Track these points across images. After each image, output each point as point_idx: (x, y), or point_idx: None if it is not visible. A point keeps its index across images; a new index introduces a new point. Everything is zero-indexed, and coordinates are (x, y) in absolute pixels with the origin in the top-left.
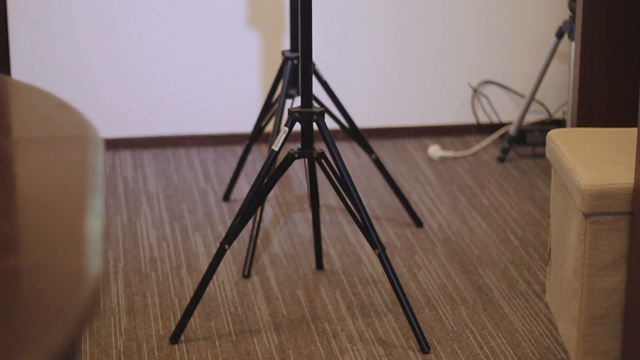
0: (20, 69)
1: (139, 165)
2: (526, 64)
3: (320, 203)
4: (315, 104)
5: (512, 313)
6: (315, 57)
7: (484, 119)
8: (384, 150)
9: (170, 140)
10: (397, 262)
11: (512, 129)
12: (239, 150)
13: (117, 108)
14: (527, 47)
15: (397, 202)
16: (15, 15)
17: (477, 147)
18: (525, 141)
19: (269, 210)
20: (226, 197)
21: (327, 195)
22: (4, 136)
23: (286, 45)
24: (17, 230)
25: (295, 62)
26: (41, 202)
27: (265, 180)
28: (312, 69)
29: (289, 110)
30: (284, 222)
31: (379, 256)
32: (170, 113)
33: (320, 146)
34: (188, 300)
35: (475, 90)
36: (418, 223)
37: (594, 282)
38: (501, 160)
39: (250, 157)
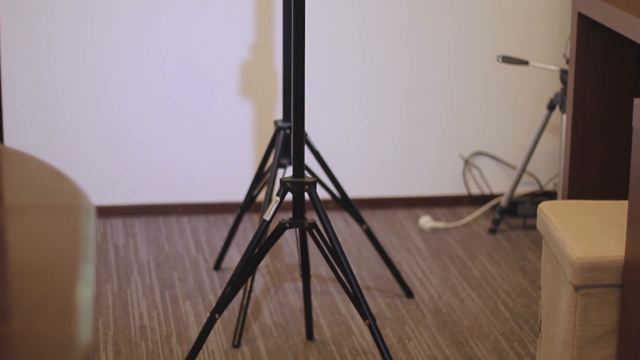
0: (13, 137)
1: (130, 233)
2: (518, 135)
3: (311, 273)
4: (307, 173)
5: None
6: (308, 127)
7: (475, 190)
8: (375, 220)
9: (162, 208)
10: (387, 332)
11: (503, 201)
12: (230, 219)
13: (109, 175)
14: (519, 119)
15: (388, 273)
16: (8, 83)
17: (468, 218)
18: (517, 213)
19: (260, 279)
20: (217, 266)
21: (318, 265)
22: None
23: (279, 114)
24: (8, 298)
25: (288, 131)
26: (32, 270)
27: (257, 250)
28: (304, 139)
29: (280, 179)
30: (274, 291)
31: (370, 327)
32: (161, 181)
33: (311, 216)
34: None
35: (466, 162)
36: (409, 294)
37: (584, 354)
38: (492, 231)
39: (241, 226)
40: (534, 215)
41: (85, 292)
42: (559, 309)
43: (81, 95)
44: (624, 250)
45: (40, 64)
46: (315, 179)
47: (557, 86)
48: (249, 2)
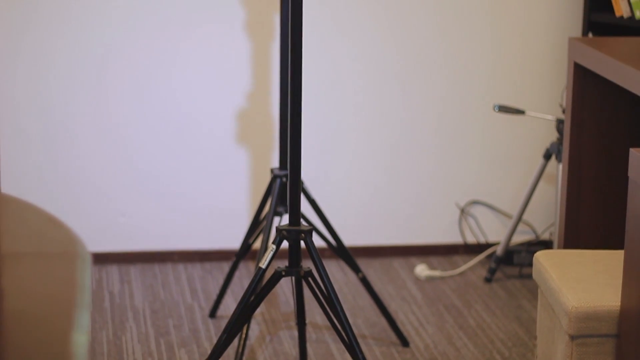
0: (10, 183)
1: (125, 280)
2: (514, 184)
3: (307, 321)
4: (303, 222)
5: None
6: (304, 175)
7: (471, 239)
8: (371, 268)
9: (158, 255)
10: None
11: (499, 250)
12: (226, 266)
13: (105, 222)
14: (515, 168)
15: (383, 321)
16: (5, 129)
17: (464, 267)
18: (512, 262)
19: (255, 327)
20: (212, 313)
21: (314, 313)
22: None
23: (275, 163)
24: (4, 344)
25: (284, 180)
26: (28, 317)
27: (252, 298)
28: (300, 187)
29: (277, 228)
30: (270, 339)
31: None
32: (158, 228)
33: (307, 264)
34: None
35: (462, 210)
36: (404, 342)
37: None
38: (488, 280)
39: (237, 273)
40: (530, 264)
41: (80, 339)
42: (555, 359)
43: (78, 142)
44: (619, 300)
45: (37, 110)
46: (311, 227)
47: (553, 135)
48: (247, 50)
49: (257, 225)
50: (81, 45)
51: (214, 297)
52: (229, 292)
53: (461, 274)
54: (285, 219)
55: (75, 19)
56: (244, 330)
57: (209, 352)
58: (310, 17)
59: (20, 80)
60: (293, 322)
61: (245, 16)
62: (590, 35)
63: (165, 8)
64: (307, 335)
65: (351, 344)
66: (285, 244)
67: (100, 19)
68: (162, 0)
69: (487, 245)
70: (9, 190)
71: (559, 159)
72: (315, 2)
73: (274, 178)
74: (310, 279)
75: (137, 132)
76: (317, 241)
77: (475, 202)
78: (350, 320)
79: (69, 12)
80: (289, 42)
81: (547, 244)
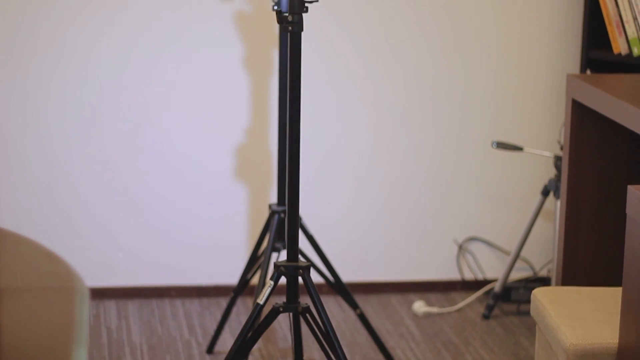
0: (6, 217)
1: (123, 315)
2: (512, 221)
3: (305, 357)
4: (301, 258)
5: None
6: (302, 211)
7: (469, 276)
8: (369, 305)
9: (155, 290)
10: None
11: (497, 286)
12: (223, 302)
13: (103, 257)
14: (513, 204)
15: (381, 358)
16: (1, 163)
17: (462, 304)
18: (510, 298)
19: None
20: (210, 349)
21: (312, 349)
22: None
23: (273, 198)
24: None
25: (282, 215)
26: (26, 353)
27: (250, 334)
28: (298, 223)
29: (274, 263)
30: None
31: None
32: (155, 263)
33: (305, 300)
34: None
35: (460, 247)
36: None
37: None
38: (486, 317)
39: (235, 309)
40: (528, 301)
41: None
42: None
43: (76, 177)
44: (617, 337)
45: (34, 144)
46: (309, 263)
47: (551, 172)
48: (245, 86)
49: (255, 260)
50: (80, 78)
51: (211, 332)
52: (226, 327)
53: (459, 310)
54: (283, 255)
55: (72, 53)
56: None
57: None
58: (309, 52)
59: (18, 114)
60: (291, 359)
61: (244, 52)
62: (588, 72)
63: (164, 42)
64: None
65: None
66: (283, 280)
67: (98, 53)
68: (161, 35)
69: (485, 282)
70: (7, 224)
71: (557, 196)
72: (314, 38)
73: (272, 214)
74: (308, 315)
75: (136, 166)
76: (315, 277)
77: (473, 239)
78: (348, 357)
79: (65, 47)
80: (287, 78)
81: (545, 281)
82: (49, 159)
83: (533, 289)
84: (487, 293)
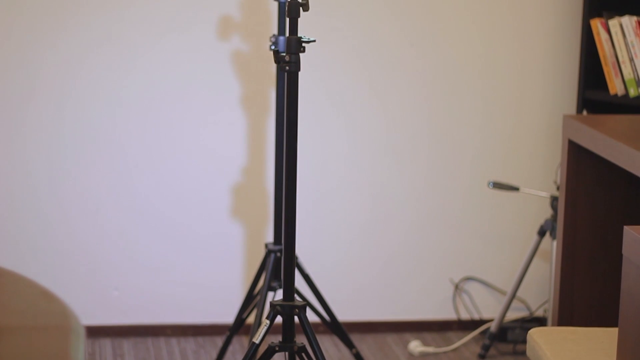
0: (3, 255)
1: (118, 353)
2: (508, 261)
3: None
4: (297, 297)
5: None
6: (298, 250)
7: (465, 315)
8: (365, 344)
9: (151, 329)
10: None
11: (493, 326)
12: (219, 341)
13: (98, 295)
14: (509, 244)
15: None
16: None
17: (458, 344)
18: (507, 338)
19: None
20: None
21: None
22: None
23: (269, 237)
24: None
25: (278, 254)
26: None
27: None
28: (294, 263)
29: (270, 303)
30: None
31: None
32: (151, 302)
33: (301, 339)
34: None
35: (456, 286)
36: None
37: None
38: (482, 357)
39: (230, 348)
40: (524, 341)
41: None
42: None
43: (72, 215)
44: None
45: (29, 183)
46: (305, 302)
47: (548, 212)
48: (243, 125)
49: (251, 299)
50: (76, 118)
51: None
52: None
53: (455, 350)
54: (279, 294)
55: (65, 94)
56: None
57: None
58: (305, 92)
59: (8, 155)
60: None
61: (242, 91)
62: (584, 112)
63: (160, 82)
64: None
65: None
66: (279, 319)
67: (94, 93)
68: (158, 75)
69: (481, 322)
70: (3, 263)
71: (553, 236)
72: (310, 78)
73: (268, 253)
74: (304, 354)
75: (131, 204)
76: (311, 316)
77: (469, 278)
78: None
79: (61, 89)
80: (284, 117)
81: (541, 321)
82: (43, 198)
83: (529, 329)
84: (483, 333)
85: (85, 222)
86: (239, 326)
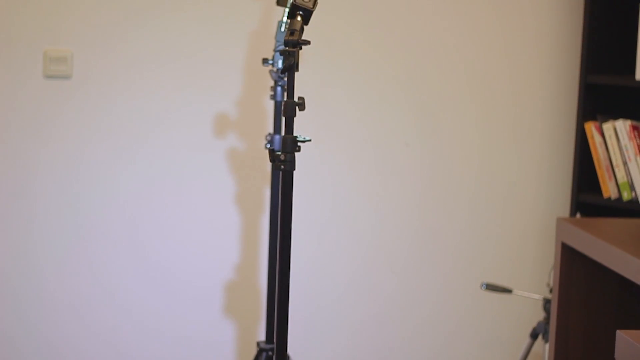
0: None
1: None
2: None
3: None
4: None
5: None
6: (290, 349)
7: None
8: None
9: None
10: None
11: None
12: None
13: None
14: (502, 347)
15: None
16: None
17: None
18: None
19: None
20: None
21: None
22: None
23: (261, 336)
24: None
25: (270, 354)
26: None
27: None
28: None
29: None
30: None
31: None
32: None
33: None
34: None
35: None
36: None
37: None
38: None
39: None
40: None
41: None
42: None
43: (67, 301)
44: None
45: (27, 272)
46: None
47: (540, 315)
48: (236, 222)
49: None
50: (66, 212)
51: None
52: None
53: None
54: None
55: (58, 190)
56: None
57: None
58: (300, 190)
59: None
60: None
61: (236, 189)
62: (578, 215)
63: (154, 177)
64: None
65: None
66: None
67: (88, 191)
68: (151, 170)
69: None
70: None
71: (545, 339)
72: (305, 176)
73: (260, 352)
74: None
75: (120, 302)
76: None
77: None
78: None
79: (59, 187)
80: (278, 215)
81: None
82: (41, 280)
83: None
84: None
85: (71, 319)
86: None
